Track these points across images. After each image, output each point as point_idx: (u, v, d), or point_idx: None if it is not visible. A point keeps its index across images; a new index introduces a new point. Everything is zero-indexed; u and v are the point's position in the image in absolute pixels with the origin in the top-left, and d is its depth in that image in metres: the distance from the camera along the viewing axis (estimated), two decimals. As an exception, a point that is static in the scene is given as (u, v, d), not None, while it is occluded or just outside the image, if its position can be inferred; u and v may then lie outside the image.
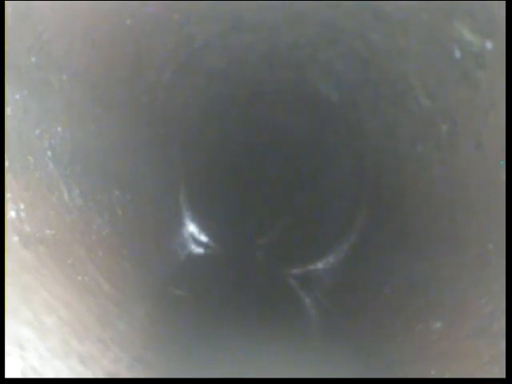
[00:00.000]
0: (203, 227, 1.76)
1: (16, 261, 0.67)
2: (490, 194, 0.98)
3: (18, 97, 0.70)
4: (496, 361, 0.81)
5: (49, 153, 0.79)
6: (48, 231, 0.76)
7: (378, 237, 1.57)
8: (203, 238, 1.76)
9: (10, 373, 0.64)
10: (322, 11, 1.31)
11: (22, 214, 0.71)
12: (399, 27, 1.21)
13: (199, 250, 1.75)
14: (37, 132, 0.75)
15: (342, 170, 1.68)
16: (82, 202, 0.89)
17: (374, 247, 1.63)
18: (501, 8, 1.00)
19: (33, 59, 0.72)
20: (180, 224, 1.71)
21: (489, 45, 1.01)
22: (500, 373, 0.83)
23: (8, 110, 0.67)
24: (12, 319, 0.65)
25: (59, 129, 0.80)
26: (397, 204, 1.43)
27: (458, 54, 1.08)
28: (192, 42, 1.29)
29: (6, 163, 0.65)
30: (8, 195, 0.67)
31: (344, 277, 1.61)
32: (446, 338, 0.96)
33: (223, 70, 1.48)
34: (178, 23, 1.16)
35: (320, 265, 1.65)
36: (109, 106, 0.98)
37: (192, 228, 1.77)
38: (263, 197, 1.69)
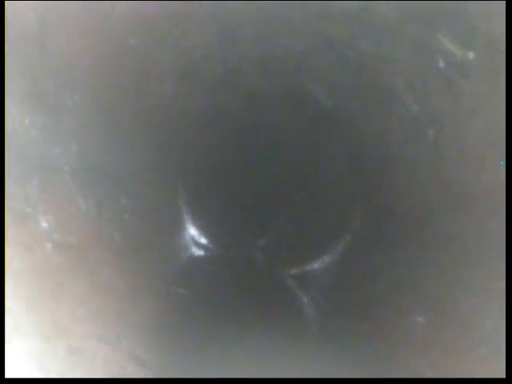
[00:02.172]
0: (203, 230, 1.82)
1: (50, 264, 0.74)
2: (471, 193, 1.04)
3: (40, 120, 0.77)
4: (477, 351, 0.88)
5: (66, 168, 0.85)
6: (71, 238, 0.83)
7: (371, 238, 1.64)
8: (203, 241, 1.82)
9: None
10: (314, 22, 1.37)
11: (51, 225, 0.78)
12: (387, 37, 1.28)
13: (200, 252, 1.80)
14: (56, 151, 0.81)
15: (336, 173, 1.74)
16: (96, 211, 0.95)
17: (366, 248, 1.70)
18: (483, 21, 1.06)
19: (51, 86, 0.78)
20: (181, 227, 1.77)
21: (471, 55, 1.07)
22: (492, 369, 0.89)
23: (33, 133, 0.73)
24: (48, 311, 0.71)
25: (74, 146, 0.87)
26: (388, 205, 1.50)
27: (442, 64, 1.14)
28: (191, 54, 1.36)
29: (36, 181, 0.72)
30: (39, 209, 0.74)
31: (339, 276, 1.68)
32: (430, 330, 1.03)
33: (221, 77, 1.54)
34: (178, 38, 1.23)
35: (316, 265, 1.72)
36: (115, 120, 1.04)
37: (192, 231, 1.82)
38: (261, 200, 1.75)
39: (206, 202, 1.75)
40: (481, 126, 1.09)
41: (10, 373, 0.67)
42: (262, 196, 1.76)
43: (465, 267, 0.98)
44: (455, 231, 1.06)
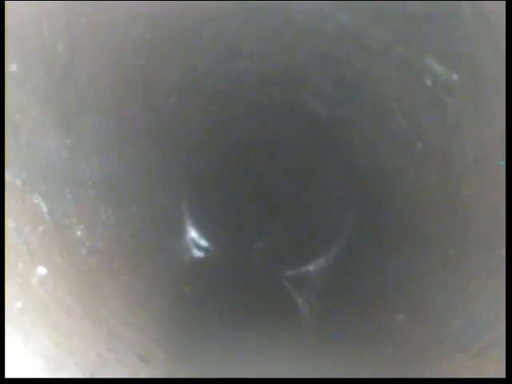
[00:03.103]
0: (203, 233, 1.90)
1: (86, 267, 0.84)
2: (453, 204, 1.13)
3: (69, 142, 0.86)
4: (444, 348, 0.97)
5: (90, 182, 0.94)
6: (99, 244, 0.92)
7: (362, 242, 1.73)
8: (203, 243, 1.90)
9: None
10: (311, 41, 1.47)
11: (84, 233, 0.87)
12: (379, 57, 1.38)
13: (200, 254, 1.89)
14: (81, 167, 0.90)
15: (331, 181, 1.84)
16: (114, 219, 1.05)
17: (358, 252, 1.79)
18: (467, 46, 1.16)
19: (77, 108, 0.87)
20: (182, 231, 1.86)
21: (454, 77, 1.17)
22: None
23: (65, 153, 0.82)
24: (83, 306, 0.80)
25: (94, 161, 0.96)
26: (379, 212, 1.59)
27: (429, 83, 1.24)
28: (195, 70, 1.45)
29: (69, 196, 0.81)
30: (74, 219, 0.83)
31: (332, 278, 1.77)
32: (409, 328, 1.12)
33: (223, 92, 1.63)
34: (183, 57, 1.32)
35: (311, 267, 1.81)
36: (127, 134, 1.13)
37: (193, 234, 1.91)
38: (259, 205, 1.84)
39: (206, 208, 1.84)
40: (464, 140, 1.19)
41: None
42: (260, 201, 1.85)
43: (443, 270, 1.07)
44: (436, 236, 1.16)
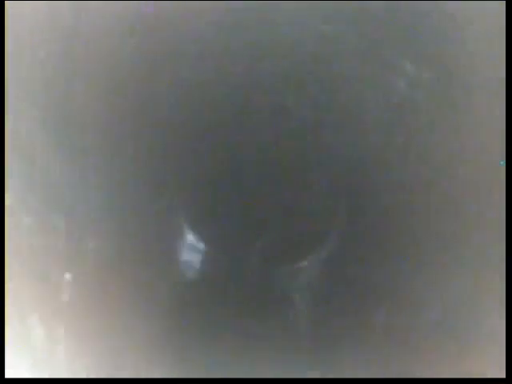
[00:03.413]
0: (200, 237, 1.99)
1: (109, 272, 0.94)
2: (426, 198, 1.23)
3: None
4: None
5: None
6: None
7: (352, 240, 1.83)
8: (201, 246, 1.99)
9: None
10: (294, 48, 1.56)
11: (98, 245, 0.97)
12: (355, 60, 1.48)
13: (198, 256, 1.98)
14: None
15: (320, 180, 1.93)
16: (119, 227, 1.15)
17: (348, 248, 1.89)
18: (436, 45, 1.26)
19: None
20: (181, 236, 1.95)
21: (425, 75, 1.27)
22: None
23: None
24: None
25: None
26: (364, 211, 1.69)
27: (402, 82, 1.34)
28: (186, 83, 1.55)
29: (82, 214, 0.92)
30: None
31: (324, 272, 1.87)
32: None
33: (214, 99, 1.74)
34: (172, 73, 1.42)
35: (305, 263, 1.90)
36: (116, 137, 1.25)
37: (190, 238, 2.00)
38: (254, 207, 1.93)
39: (202, 215, 1.94)
40: (437, 137, 1.29)
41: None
42: (255, 204, 1.94)
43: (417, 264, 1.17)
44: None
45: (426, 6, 1.19)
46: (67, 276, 1.00)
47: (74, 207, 1.15)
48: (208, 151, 1.92)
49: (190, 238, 1.97)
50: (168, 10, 1.22)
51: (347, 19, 1.33)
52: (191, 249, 1.96)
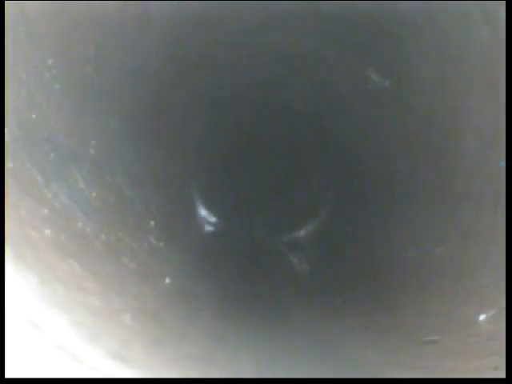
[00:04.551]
0: (212, 212, 2.31)
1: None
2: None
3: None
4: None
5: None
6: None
7: (343, 212, 2.16)
8: (213, 220, 2.31)
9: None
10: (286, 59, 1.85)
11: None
12: (333, 68, 1.78)
13: (210, 228, 2.30)
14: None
15: (315, 162, 2.24)
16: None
17: (339, 219, 2.21)
18: (397, 55, 1.56)
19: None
20: (195, 211, 2.27)
21: (387, 83, 1.57)
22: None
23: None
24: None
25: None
26: (353, 189, 2.03)
27: (371, 86, 1.64)
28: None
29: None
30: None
31: (319, 241, 2.21)
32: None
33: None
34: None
35: (302, 232, 2.25)
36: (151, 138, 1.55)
37: (203, 213, 2.31)
38: (257, 186, 2.24)
39: (213, 193, 2.26)
40: (399, 128, 1.60)
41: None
42: (258, 182, 2.24)
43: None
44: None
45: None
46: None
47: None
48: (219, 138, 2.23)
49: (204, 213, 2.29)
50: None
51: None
52: (206, 222, 2.28)
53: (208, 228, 2.28)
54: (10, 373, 0.70)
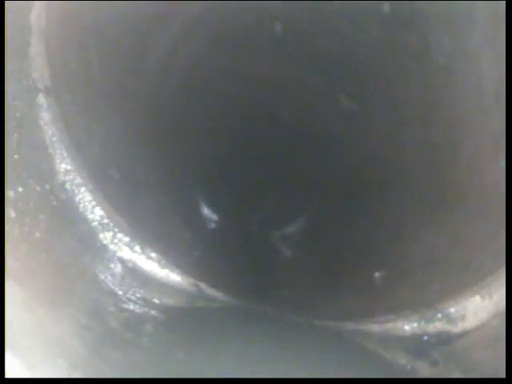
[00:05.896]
0: (215, 210, 2.53)
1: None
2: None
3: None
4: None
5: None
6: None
7: (330, 209, 2.33)
8: (215, 217, 2.53)
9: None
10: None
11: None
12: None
13: (213, 225, 2.51)
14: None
15: (308, 159, 2.40)
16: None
17: (328, 215, 2.37)
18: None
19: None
20: (198, 209, 2.49)
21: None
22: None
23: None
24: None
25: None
26: (340, 189, 2.22)
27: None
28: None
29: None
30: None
31: (308, 233, 2.41)
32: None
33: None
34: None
35: (292, 227, 2.42)
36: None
37: (206, 211, 2.53)
38: (253, 187, 2.41)
39: (216, 193, 2.47)
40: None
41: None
42: (255, 184, 2.39)
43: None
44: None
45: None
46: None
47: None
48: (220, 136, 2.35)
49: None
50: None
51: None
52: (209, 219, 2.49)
53: (210, 224, 2.50)
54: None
